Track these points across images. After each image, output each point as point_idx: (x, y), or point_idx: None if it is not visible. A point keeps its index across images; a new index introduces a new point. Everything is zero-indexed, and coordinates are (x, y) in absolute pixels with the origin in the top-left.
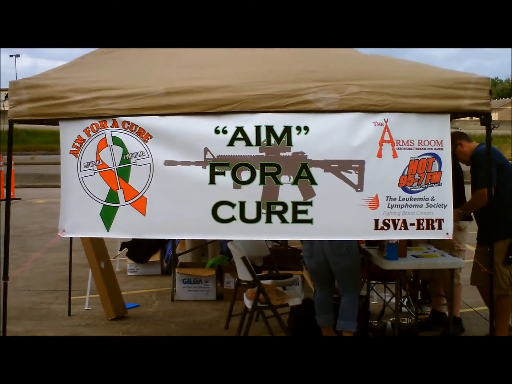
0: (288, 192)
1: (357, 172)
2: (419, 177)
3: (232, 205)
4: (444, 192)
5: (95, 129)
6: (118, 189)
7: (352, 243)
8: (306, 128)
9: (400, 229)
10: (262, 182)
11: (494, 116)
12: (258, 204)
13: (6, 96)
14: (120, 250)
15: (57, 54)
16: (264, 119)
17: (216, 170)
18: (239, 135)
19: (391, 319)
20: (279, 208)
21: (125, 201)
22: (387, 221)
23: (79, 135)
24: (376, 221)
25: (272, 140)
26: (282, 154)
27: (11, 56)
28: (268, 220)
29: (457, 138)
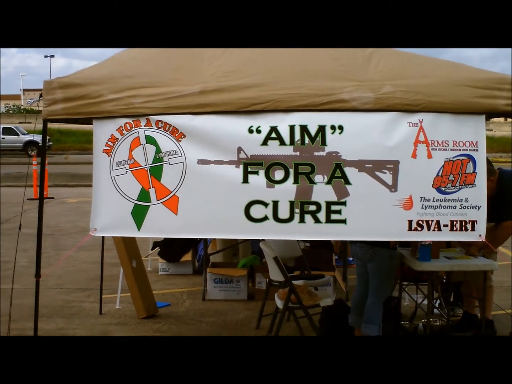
0: (322, 192)
1: (391, 172)
2: (453, 178)
3: (265, 204)
4: (478, 193)
5: (129, 128)
6: (150, 188)
7: (377, 249)
8: (340, 127)
9: (434, 230)
10: (295, 181)
11: None
12: (292, 203)
13: (41, 96)
14: (152, 249)
15: (91, 55)
16: (298, 118)
17: (249, 169)
18: (273, 135)
19: (423, 320)
20: (312, 207)
21: (157, 200)
22: (420, 222)
23: (112, 134)
24: (410, 222)
25: (306, 140)
26: (316, 153)
27: (45, 56)
28: (302, 220)
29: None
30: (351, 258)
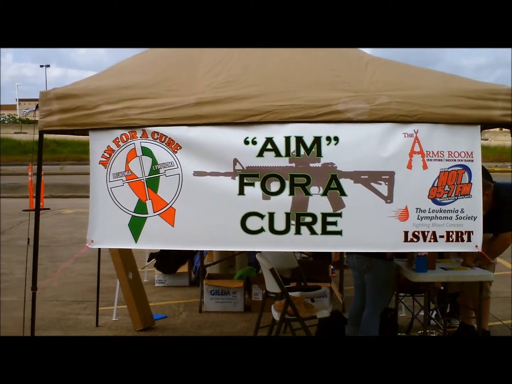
0: (318, 203)
1: (387, 183)
2: (449, 189)
3: (261, 216)
4: (474, 204)
5: (125, 140)
6: (146, 199)
7: (374, 261)
8: (336, 138)
9: (430, 241)
10: (291, 193)
11: None
12: (287, 215)
13: (37, 106)
14: (148, 261)
15: (87, 64)
16: (293, 129)
17: (245, 181)
18: (269, 146)
19: (420, 332)
20: (308, 219)
21: (154, 212)
22: (416, 233)
23: (108, 145)
24: (406, 233)
25: (302, 151)
26: (311, 165)
27: (41, 66)
28: (297, 232)
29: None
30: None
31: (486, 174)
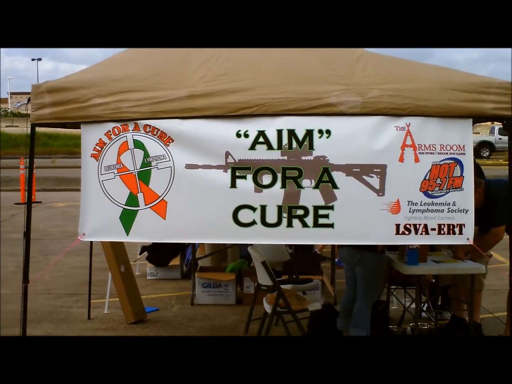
0: (310, 196)
1: (378, 176)
2: (440, 182)
3: (253, 209)
4: (466, 197)
5: (117, 133)
6: (138, 192)
7: (365, 253)
8: (328, 131)
9: (421, 234)
10: (283, 186)
11: None
12: (279, 208)
13: (29, 100)
14: (140, 254)
15: (79, 58)
16: (286, 122)
17: (237, 174)
18: (261, 139)
19: (411, 324)
20: (300, 212)
21: (145, 205)
22: (408, 226)
23: (100, 138)
24: (398, 225)
25: (294, 144)
26: (303, 158)
27: (33, 59)
28: (289, 224)
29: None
30: (337, 259)
31: (478, 170)
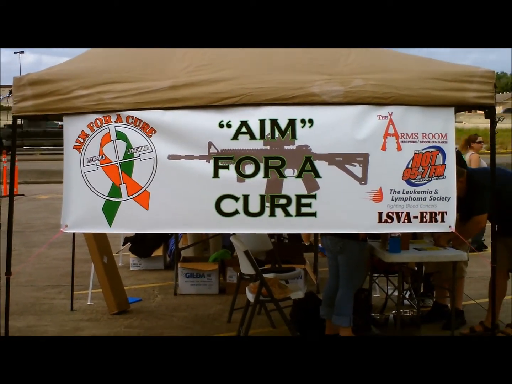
0: (292, 186)
1: (361, 165)
2: (423, 170)
3: (236, 198)
4: (448, 185)
5: (99, 124)
6: (121, 183)
7: (347, 242)
8: (310, 121)
9: (404, 222)
10: (266, 175)
11: (499, 110)
12: (262, 197)
13: (10, 92)
14: (123, 245)
15: (61, 51)
16: (268, 112)
17: (220, 164)
18: (243, 129)
19: (393, 312)
20: (283, 201)
21: (128, 196)
22: (390, 214)
23: (82, 130)
24: (380, 214)
25: (276, 134)
26: (286, 147)
27: (15, 53)
28: (272, 214)
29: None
30: (320, 245)
31: (459, 159)
